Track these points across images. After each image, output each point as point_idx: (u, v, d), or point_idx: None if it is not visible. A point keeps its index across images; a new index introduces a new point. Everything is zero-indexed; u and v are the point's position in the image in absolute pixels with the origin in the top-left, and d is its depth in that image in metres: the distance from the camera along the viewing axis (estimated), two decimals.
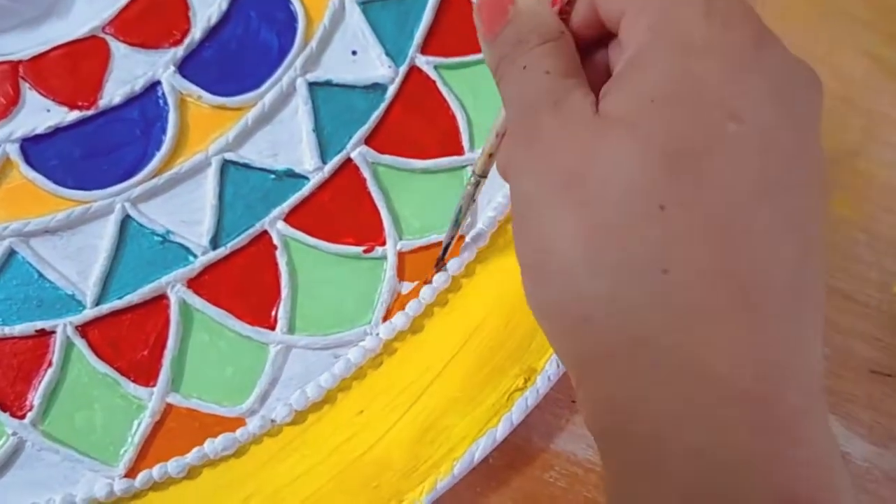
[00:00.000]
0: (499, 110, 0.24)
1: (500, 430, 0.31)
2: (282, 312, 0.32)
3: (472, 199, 0.30)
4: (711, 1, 0.19)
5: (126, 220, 0.33)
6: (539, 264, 0.20)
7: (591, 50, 0.22)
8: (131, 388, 0.31)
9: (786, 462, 0.17)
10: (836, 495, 0.17)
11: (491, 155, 0.26)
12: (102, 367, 0.31)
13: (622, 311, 0.18)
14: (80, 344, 0.32)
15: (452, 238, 0.32)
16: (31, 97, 0.35)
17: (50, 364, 0.31)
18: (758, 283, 0.17)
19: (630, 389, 0.18)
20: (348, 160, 0.34)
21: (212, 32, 0.36)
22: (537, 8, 0.22)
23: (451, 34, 0.36)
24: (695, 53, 0.18)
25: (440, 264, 0.33)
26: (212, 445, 0.31)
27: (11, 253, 0.33)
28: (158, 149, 0.34)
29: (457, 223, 0.31)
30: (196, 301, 0.32)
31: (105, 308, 0.32)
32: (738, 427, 0.17)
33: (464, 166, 0.35)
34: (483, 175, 0.28)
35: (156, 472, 0.30)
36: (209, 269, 0.33)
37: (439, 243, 0.33)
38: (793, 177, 0.18)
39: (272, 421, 0.31)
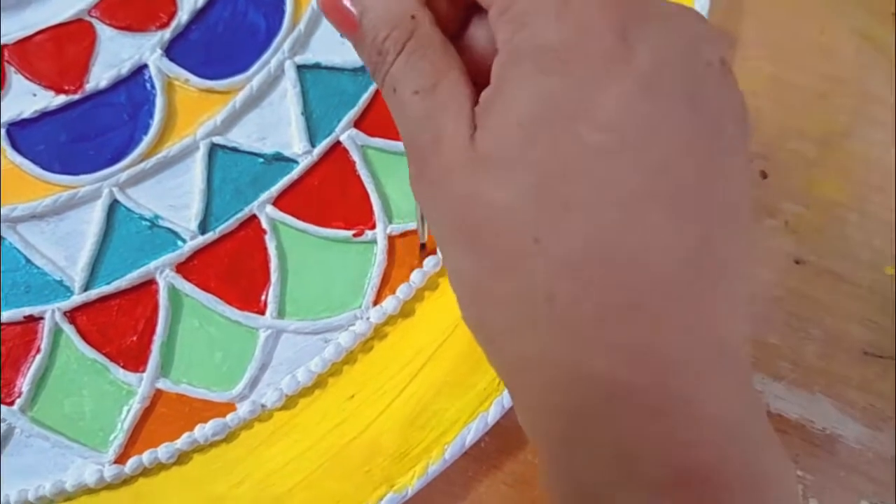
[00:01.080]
0: None
1: (492, 414, 0.30)
2: (271, 297, 0.32)
3: None
4: (566, 1, 0.17)
5: (114, 205, 0.33)
6: (455, 289, 0.20)
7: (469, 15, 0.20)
8: (120, 373, 0.31)
9: (680, 438, 0.17)
10: (744, 465, 0.17)
11: None
12: (91, 352, 0.31)
13: (517, 338, 0.19)
14: (69, 330, 0.31)
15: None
16: (17, 81, 0.34)
17: (38, 350, 0.31)
18: (643, 284, 0.17)
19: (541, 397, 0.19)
20: (337, 143, 0.34)
21: (199, 15, 0.35)
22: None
23: None
24: (551, 68, 0.17)
25: (423, 252, 0.33)
26: (202, 431, 0.30)
27: None
28: (146, 133, 0.34)
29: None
30: (185, 286, 0.32)
31: (93, 294, 0.32)
32: (634, 414, 0.17)
33: None
34: None
35: (146, 457, 0.30)
36: (198, 253, 0.33)
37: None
38: (677, 169, 0.17)
39: (262, 406, 0.31)
